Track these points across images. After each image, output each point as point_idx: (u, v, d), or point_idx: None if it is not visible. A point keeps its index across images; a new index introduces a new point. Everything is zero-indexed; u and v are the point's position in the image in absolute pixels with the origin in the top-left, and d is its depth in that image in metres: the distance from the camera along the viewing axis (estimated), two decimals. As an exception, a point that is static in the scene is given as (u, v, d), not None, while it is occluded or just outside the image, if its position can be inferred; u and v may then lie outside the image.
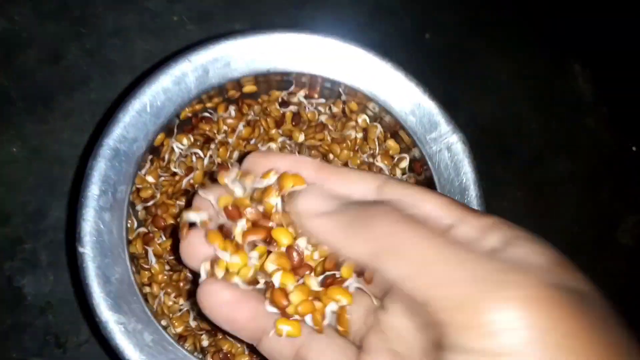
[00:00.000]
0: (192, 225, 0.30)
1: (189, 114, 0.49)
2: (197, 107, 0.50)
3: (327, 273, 0.29)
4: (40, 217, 0.57)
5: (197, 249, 0.30)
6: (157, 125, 0.43)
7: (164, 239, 0.50)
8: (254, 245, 0.29)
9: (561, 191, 0.68)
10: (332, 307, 0.29)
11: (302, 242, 0.29)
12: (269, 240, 0.29)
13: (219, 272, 0.29)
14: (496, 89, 0.69)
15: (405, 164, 0.53)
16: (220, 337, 0.49)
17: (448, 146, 0.45)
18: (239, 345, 0.49)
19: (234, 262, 0.29)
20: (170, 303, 0.49)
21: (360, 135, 0.54)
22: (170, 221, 0.51)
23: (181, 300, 0.50)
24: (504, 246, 0.23)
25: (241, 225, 0.29)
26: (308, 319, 0.29)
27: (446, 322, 0.22)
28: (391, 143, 0.53)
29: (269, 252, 0.29)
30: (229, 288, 0.29)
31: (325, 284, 0.29)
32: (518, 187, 0.67)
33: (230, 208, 0.29)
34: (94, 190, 0.40)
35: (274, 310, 0.29)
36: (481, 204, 0.45)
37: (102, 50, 0.61)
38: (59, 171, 0.58)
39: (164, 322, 0.49)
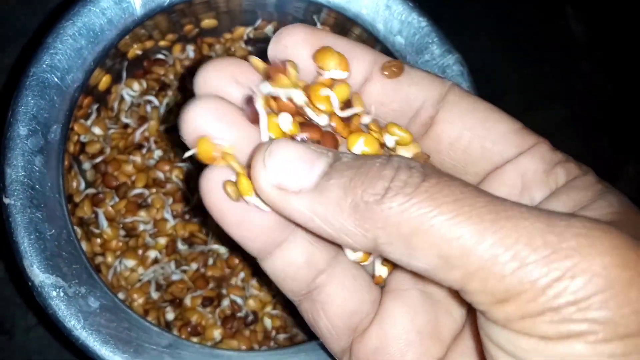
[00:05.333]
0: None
1: (139, 52, 0.42)
2: (148, 44, 0.43)
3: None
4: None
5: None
6: (96, 54, 0.35)
7: (117, 199, 0.43)
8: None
9: (558, 140, 0.62)
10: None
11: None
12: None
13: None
14: (485, 34, 0.63)
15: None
16: (189, 307, 0.42)
17: (442, 70, 0.38)
18: (209, 316, 0.42)
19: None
20: (128, 273, 0.42)
21: (338, 75, 0.48)
22: (124, 179, 0.44)
23: (141, 269, 0.43)
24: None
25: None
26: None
27: None
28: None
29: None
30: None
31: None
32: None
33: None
34: (20, 129, 0.33)
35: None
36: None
37: None
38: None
39: (121, 296, 0.42)
